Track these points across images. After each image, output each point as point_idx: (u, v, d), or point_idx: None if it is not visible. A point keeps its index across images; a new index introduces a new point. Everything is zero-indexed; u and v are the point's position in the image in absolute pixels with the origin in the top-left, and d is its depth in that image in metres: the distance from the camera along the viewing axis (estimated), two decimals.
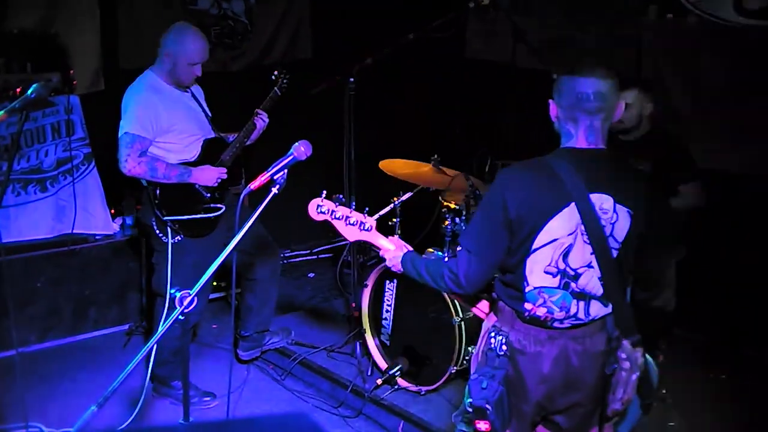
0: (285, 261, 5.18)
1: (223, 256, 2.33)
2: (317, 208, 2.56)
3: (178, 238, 3.57)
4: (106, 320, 4.54)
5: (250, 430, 3.55)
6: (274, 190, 2.38)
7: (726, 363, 3.99)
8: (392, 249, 2.44)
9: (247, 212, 2.51)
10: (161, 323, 2.26)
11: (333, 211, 2.53)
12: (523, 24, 4.87)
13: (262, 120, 3.82)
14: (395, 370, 3.70)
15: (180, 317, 2.21)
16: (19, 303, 4.11)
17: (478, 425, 2.15)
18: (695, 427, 3.50)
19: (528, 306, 2.18)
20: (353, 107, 3.86)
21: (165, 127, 3.48)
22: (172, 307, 2.23)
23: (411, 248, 2.47)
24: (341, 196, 2.64)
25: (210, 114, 3.76)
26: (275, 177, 2.39)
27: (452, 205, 3.85)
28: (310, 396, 3.89)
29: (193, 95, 3.70)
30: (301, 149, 2.44)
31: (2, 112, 2.68)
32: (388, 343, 3.84)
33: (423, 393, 3.70)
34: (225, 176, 3.66)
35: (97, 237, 4.56)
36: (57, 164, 4.50)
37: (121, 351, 4.31)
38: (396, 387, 3.75)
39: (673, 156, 3.61)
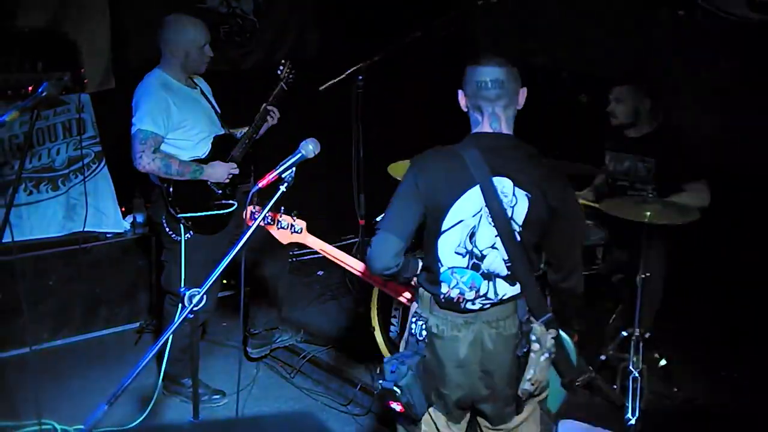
0: (294, 259, 5.18)
1: (232, 255, 2.33)
2: (251, 215, 2.70)
3: (188, 235, 3.58)
4: (116, 318, 4.56)
5: (259, 428, 3.56)
6: (282, 188, 2.39)
7: (726, 362, 3.96)
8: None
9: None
10: (174, 321, 2.27)
11: (265, 216, 2.60)
12: (532, 22, 4.85)
13: (271, 116, 3.82)
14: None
15: (189, 315, 2.22)
16: (31, 301, 4.14)
17: (392, 405, 2.24)
18: (696, 426, 3.49)
19: (444, 288, 2.26)
20: (361, 105, 3.87)
21: (176, 123, 3.49)
22: (184, 305, 2.24)
23: None
24: (281, 208, 2.78)
25: (219, 110, 3.78)
26: (283, 175, 2.40)
27: None
28: (319, 394, 3.89)
29: (201, 91, 3.71)
30: (309, 147, 2.44)
31: (14, 110, 2.69)
32: (397, 340, 3.84)
33: None
34: (236, 172, 3.67)
35: (107, 235, 4.58)
36: (68, 163, 4.53)
37: (131, 349, 4.33)
38: None
39: (676, 154, 3.60)
